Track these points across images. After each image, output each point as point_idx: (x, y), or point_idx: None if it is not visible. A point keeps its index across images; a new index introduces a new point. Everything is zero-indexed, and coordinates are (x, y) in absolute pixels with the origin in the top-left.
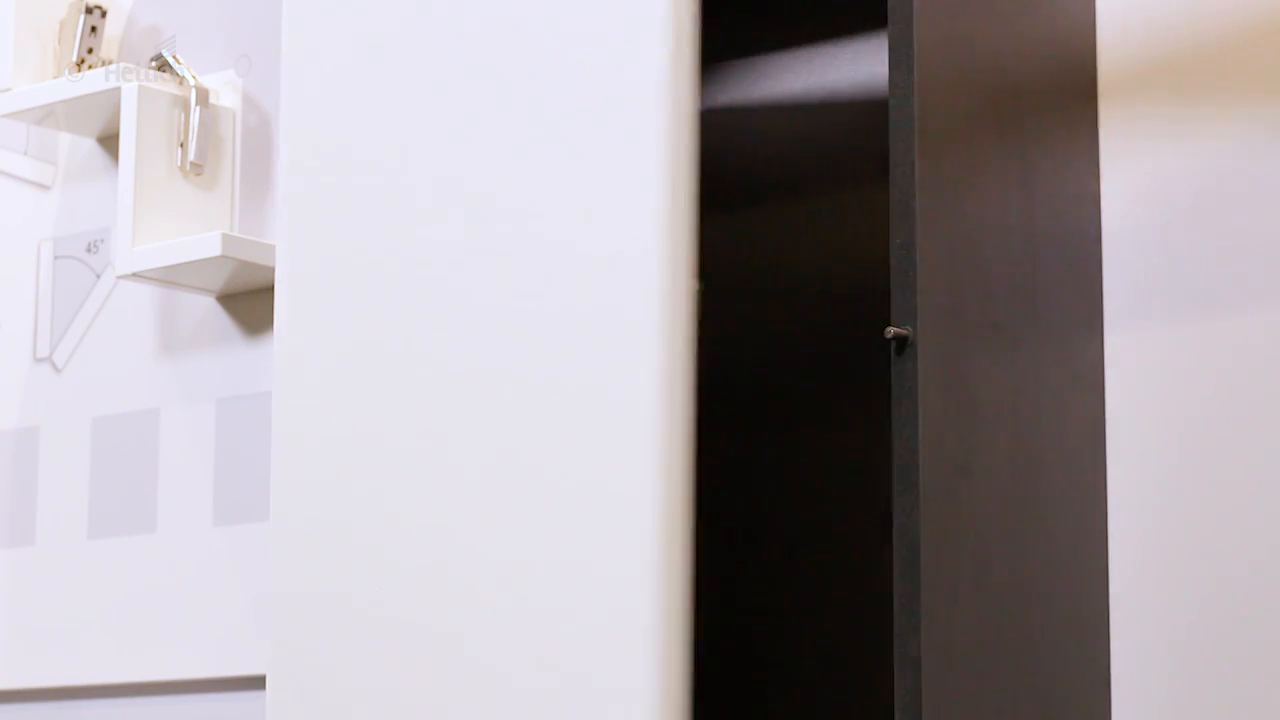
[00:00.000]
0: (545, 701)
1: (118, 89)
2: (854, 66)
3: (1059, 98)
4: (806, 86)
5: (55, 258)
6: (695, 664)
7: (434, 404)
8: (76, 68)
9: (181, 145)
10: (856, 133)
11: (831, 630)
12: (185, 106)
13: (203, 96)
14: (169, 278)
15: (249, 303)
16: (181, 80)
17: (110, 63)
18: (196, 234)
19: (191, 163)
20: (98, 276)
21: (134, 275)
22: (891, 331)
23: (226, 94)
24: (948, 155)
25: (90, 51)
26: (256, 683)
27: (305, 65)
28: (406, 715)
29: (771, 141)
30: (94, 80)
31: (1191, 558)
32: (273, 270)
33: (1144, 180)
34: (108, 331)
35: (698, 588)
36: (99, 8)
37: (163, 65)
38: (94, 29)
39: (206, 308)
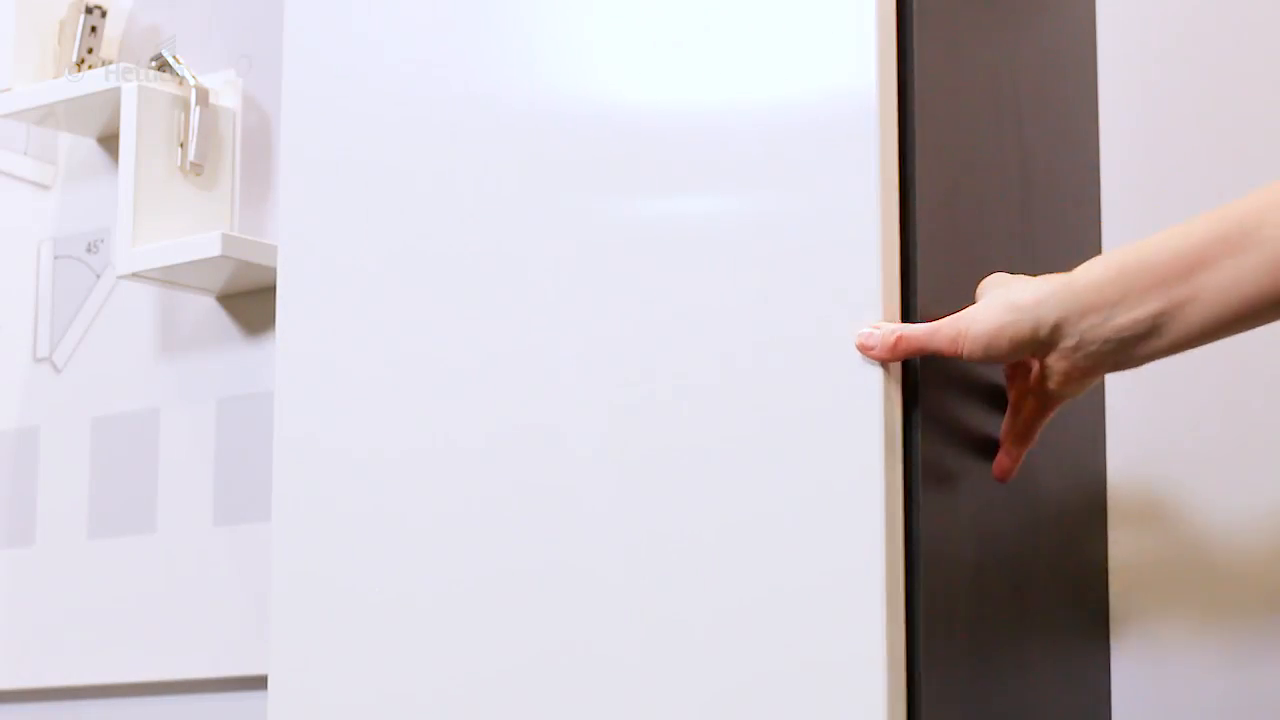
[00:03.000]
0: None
1: (118, 89)
2: None
3: (1060, 96)
4: None
5: (55, 258)
6: None
7: (438, 403)
8: (76, 68)
9: (181, 145)
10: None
11: None
12: (185, 106)
13: (203, 96)
14: (169, 278)
15: (249, 303)
16: (181, 80)
17: (110, 63)
18: (196, 234)
19: (191, 162)
20: (98, 276)
21: (134, 275)
22: None
23: (226, 94)
24: (947, 155)
25: (90, 51)
26: (257, 683)
27: (306, 65)
28: (409, 717)
29: None
30: (94, 80)
31: (1192, 558)
32: (273, 270)
33: (1145, 180)
34: (108, 331)
35: None
36: (99, 8)
37: (163, 65)
38: (94, 29)
39: (206, 308)
